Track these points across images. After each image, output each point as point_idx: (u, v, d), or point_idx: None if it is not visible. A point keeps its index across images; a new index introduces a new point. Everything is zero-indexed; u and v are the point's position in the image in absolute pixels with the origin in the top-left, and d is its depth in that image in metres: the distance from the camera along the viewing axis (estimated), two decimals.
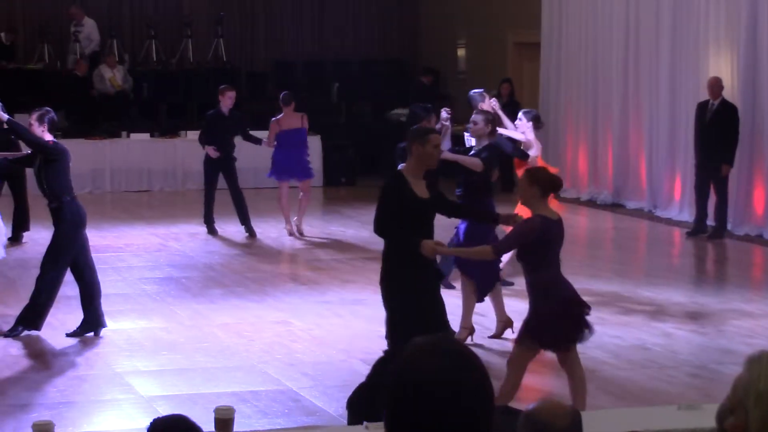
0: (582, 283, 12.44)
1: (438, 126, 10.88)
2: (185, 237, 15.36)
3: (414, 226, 7.61)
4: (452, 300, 10.39)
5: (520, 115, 12.13)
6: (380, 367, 7.48)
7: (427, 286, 7.72)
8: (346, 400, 6.90)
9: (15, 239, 14.68)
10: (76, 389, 8.73)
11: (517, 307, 9.96)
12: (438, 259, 10.55)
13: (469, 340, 9.88)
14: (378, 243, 8.27)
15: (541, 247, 7.44)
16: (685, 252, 15.23)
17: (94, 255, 13.91)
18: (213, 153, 15.19)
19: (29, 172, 11.87)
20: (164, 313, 11.15)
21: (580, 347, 9.95)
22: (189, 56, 22.56)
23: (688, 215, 16.50)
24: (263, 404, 8.34)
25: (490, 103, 11.62)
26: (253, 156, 17.92)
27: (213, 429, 5.27)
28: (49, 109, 10.32)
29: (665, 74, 17.22)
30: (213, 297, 11.88)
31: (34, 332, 10.21)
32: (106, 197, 19.31)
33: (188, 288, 12.27)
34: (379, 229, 7.72)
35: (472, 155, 10.07)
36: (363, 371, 8.58)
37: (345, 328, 10.60)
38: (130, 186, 19.85)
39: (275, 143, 15.33)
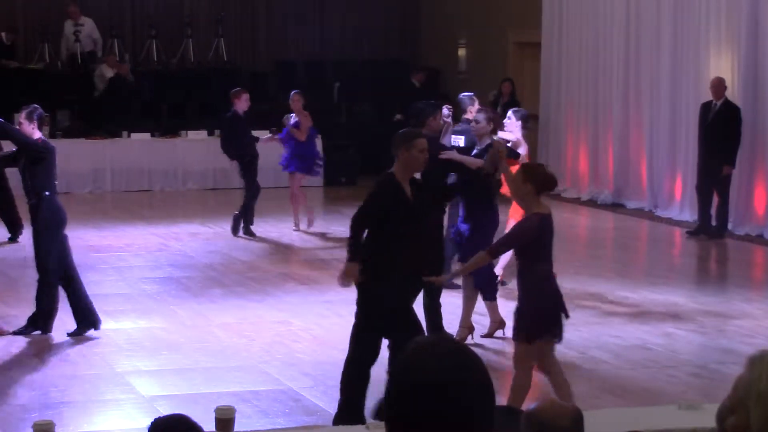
0: (583, 283, 12.46)
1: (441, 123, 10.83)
2: (186, 237, 15.37)
3: (401, 223, 7.61)
4: (452, 300, 10.39)
5: (509, 114, 12.15)
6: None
7: (393, 275, 7.63)
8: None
9: (14, 239, 14.70)
10: (77, 389, 8.72)
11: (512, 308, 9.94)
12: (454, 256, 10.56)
13: (469, 339, 9.88)
14: None
15: (538, 243, 7.57)
16: (685, 252, 15.23)
17: (94, 255, 14.01)
18: (234, 166, 15.61)
19: (8, 171, 11.86)
20: (165, 313, 11.15)
21: (580, 347, 9.98)
22: (190, 56, 22.56)
23: (688, 215, 16.51)
24: (264, 404, 8.34)
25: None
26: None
27: (213, 429, 5.27)
28: (36, 106, 10.32)
29: (666, 74, 17.22)
30: (213, 297, 11.87)
31: (42, 334, 10.25)
32: (107, 197, 19.31)
33: (189, 288, 12.27)
34: (354, 222, 7.73)
35: (474, 155, 10.07)
36: None
37: (346, 327, 10.51)
38: (130, 186, 19.85)
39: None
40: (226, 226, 15.82)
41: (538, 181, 7.58)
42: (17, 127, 10.21)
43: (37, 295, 10.20)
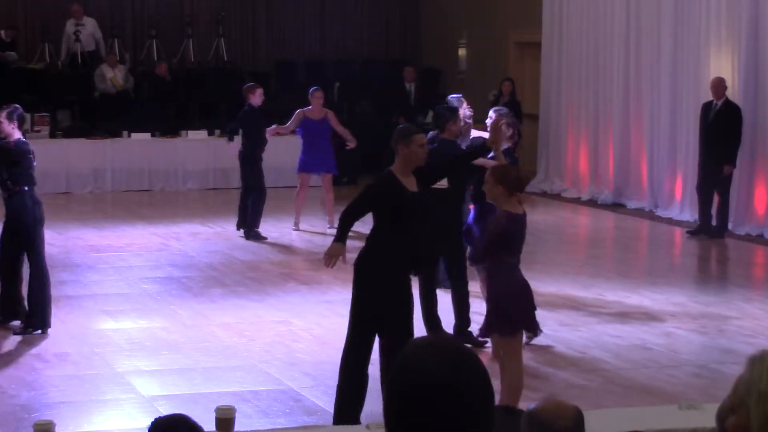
0: (583, 283, 12.47)
1: (461, 125, 10.75)
2: (186, 237, 15.37)
3: (404, 219, 7.69)
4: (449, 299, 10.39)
5: (490, 113, 12.13)
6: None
7: (396, 279, 7.70)
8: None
9: None
10: (77, 389, 8.72)
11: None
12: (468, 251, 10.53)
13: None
14: None
15: (506, 238, 7.89)
16: (686, 252, 15.23)
17: (95, 254, 14.02)
18: (236, 150, 15.58)
19: None
20: (165, 312, 11.15)
21: (580, 347, 9.98)
22: (190, 56, 22.55)
23: (689, 215, 16.51)
24: (264, 404, 8.34)
25: (464, 110, 11.73)
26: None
27: (214, 428, 5.27)
28: (17, 106, 10.34)
29: (666, 74, 17.22)
30: (214, 297, 11.88)
31: (42, 332, 10.28)
32: (107, 197, 19.31)
33: (189, 288, 12.27)
34: (346, 212, 7.85)
35: (490, 159, 10.02)
36: None
37: (346, 327, 10.57)
38: (131, 186, 19.85)
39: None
40: (227, 226, 15.81)
41: (510, 182, 7.90)
42: None
43: (29, 293, 10.26)
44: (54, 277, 12.55)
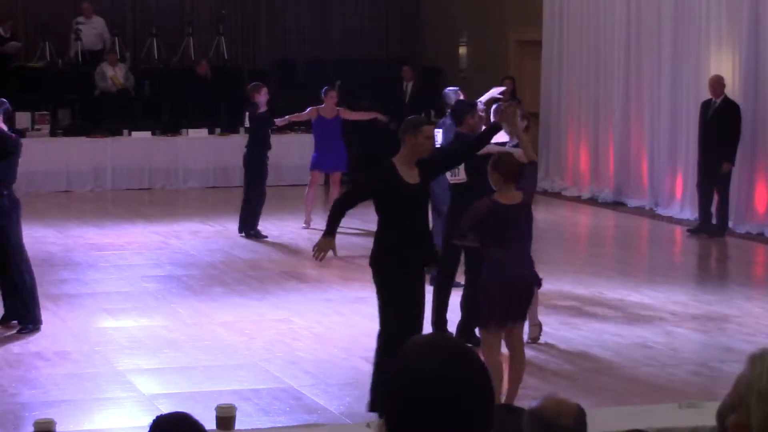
0: (583, 281, 12.47)
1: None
2: (187, 235, 15.37)
3: (405, 212, 7.73)
4: (454, 298, 10.39)
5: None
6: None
7: (406, 272, 7.75)
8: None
9: None
10: (78, 387, 8.72)
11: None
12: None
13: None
14: None
15: (490, 227, 7.85)
16: (686, 250, 15.23)
17: (95, 253, 14.02)
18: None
19: None
20: (165, 311, 11.15)
21: (580, 346, 9.98)
22: (191, 54, 22.55)
23: (689, 213, 16.51)
24: (264, 402, 8.34)
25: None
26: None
27: (215, 427, 5.27)
28: (4, 100, 10.29)
29: (667, 72, 17.22)
30: (214, 295, 11.88)
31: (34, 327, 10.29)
32: (108, 195, 19.31)
33: (189, 286, 12.27)
34: (337, 202, 8.02)
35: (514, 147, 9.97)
36: (365, 369, 8.59)
37: (347, 326, 10.60)
38: (131, 184, 19.85)
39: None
40: (227, 225, 15.81)
41: (503, 168, 7.90)
42: None
43: (18, 290, 10.25)
44: (54, 275, 12.60)
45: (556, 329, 10.37)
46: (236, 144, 20.05)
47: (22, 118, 19.37)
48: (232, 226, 15.71)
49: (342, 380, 8.84)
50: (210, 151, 20.16)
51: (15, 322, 10.33)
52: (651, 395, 8.58)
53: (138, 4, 23.26)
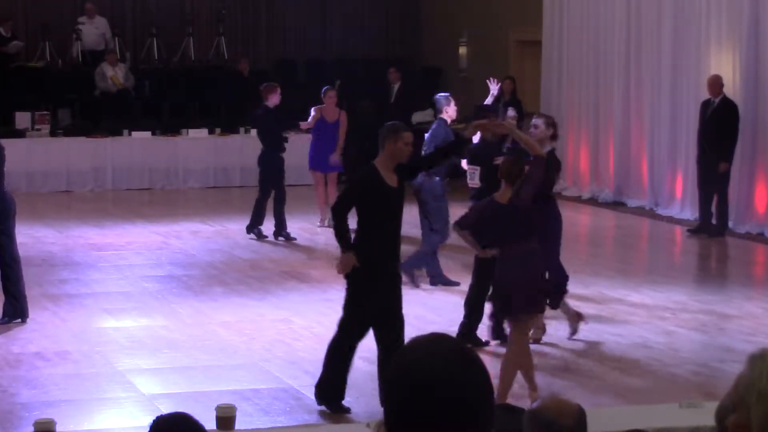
0: (584, 281, 12.46)
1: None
2: (187, 235, 15.36)
3: (385, 213, 7.95)
4: (454, 299, 10.39)
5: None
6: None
7: (383, 272, 7.95)
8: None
9: None
10: (78, 387, 8.73)
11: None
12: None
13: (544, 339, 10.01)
14: None
15: (493, 228, 8.15)
16: (686, 250, 15.23)
17: (96, 253, 14.01)
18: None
19: None
20: (166, 311, 11.15)
21: (580, 346, 9.98)
22: (191, 54, 22.55)
23: (689, 213, 16.50)
24: (265, 402, 8.34)
25: (450, 109, 11.90)
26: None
27: (215, 427, 5.27)
28: None
29: (667, 72, 17.22)
30: (214, 295, 11.87)
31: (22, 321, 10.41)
32: (108, 195, 19.30)
33: (190, 286, 12.27)
34: (336, 213, 8.10)
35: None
36: (364, 369, 8.61)
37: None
38: (131, 184, 19.84)
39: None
40: (227, 225, 15.81)
41: (502, 171, 8.22)
42: None
43: (7, 284, 10.30)
44: (54, 275, 12.61)
45: (557, 329, 10.36)
46: (236, 144, 20.09)
47: (23, 118, 19.38)
48: (232, 226, 15.72)
49: None
50: (210, 151, 20.15)
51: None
52: (651, 395, 8.58)
53: (138, 4, 23.26)
